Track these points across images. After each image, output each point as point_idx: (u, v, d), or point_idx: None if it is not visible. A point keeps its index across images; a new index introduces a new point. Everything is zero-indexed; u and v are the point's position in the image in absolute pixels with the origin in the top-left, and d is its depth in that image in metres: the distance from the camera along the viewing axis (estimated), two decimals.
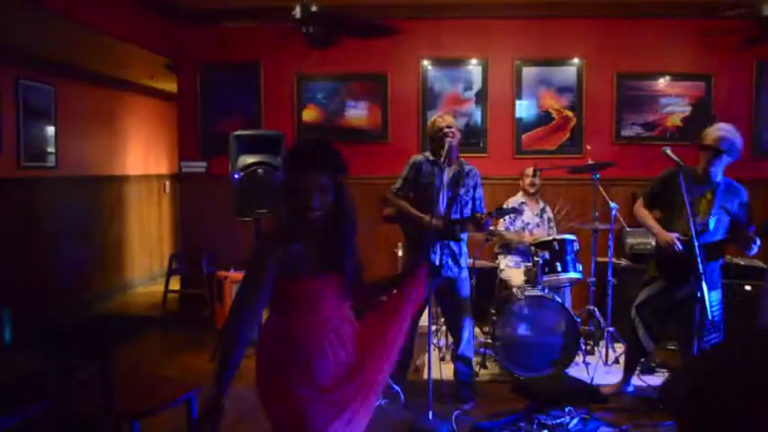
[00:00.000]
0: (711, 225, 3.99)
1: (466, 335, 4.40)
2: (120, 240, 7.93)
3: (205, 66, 6.68)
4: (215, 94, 6.68)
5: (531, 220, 5.59)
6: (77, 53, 6.30)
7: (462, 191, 4.28)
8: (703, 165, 4.05)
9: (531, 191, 5.62)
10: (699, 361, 1.85)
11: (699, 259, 3.56)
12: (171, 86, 7.28)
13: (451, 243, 4.26)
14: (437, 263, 4.20)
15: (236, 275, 5.80)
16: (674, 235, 4.02)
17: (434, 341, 5.14)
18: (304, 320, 2.26)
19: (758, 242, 3.82)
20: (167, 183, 9.10)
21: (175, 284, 7.16)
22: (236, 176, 4.96)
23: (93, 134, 7.42)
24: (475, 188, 4.34)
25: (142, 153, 8.52)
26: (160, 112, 8.82)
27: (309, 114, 6.65)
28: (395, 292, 2.50)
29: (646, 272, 4.42)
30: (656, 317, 4.23)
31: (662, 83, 6.41)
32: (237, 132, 5.17)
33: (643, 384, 4.58)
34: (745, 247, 3.85)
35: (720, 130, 4.03)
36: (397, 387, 4.26)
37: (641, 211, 4.33)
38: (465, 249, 4.41)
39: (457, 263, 4.33)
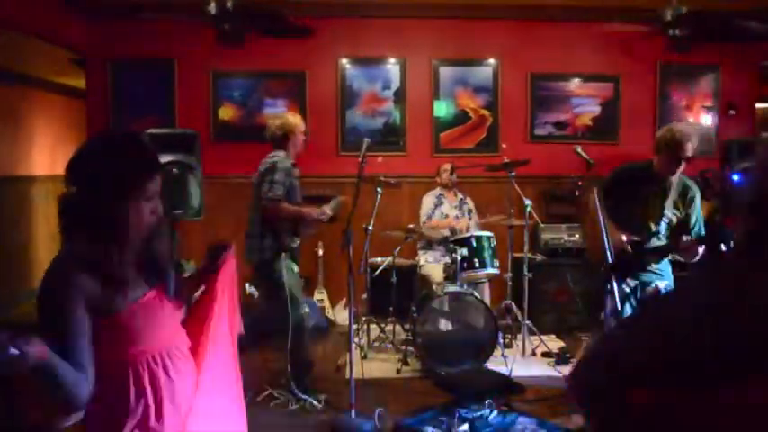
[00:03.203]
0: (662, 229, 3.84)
1: None
2: (26, 244, 7.53)
3: (116, 62, 6.42)
4: (127, 92, 6.43)
5: (449, 212, 5.68)
6: None
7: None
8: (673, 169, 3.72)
9: (449, 186, 5.73)
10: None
11: (608, 250, 3.57)
12: (81, 83, 6.97)
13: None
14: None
15: None
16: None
17: (356, 340, 5.14)
18: (141, 355, 1.75)
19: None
20: None
21: None
22: None
23: None
24: None
25: (49, 152, 8.12)
26: (69, 110, 8.43)
27: (226, 113, 6.51)
28: (204, 286, 2.14)
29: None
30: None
31: (573, 84, 6.64)
32: (151, 131, 5.01)
33: (559, 375, 4.74)
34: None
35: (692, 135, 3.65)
36: (303, 395, 4.19)
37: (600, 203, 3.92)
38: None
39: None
